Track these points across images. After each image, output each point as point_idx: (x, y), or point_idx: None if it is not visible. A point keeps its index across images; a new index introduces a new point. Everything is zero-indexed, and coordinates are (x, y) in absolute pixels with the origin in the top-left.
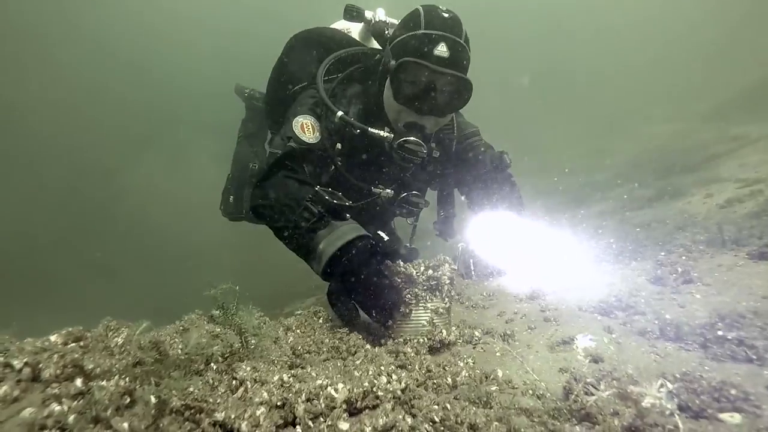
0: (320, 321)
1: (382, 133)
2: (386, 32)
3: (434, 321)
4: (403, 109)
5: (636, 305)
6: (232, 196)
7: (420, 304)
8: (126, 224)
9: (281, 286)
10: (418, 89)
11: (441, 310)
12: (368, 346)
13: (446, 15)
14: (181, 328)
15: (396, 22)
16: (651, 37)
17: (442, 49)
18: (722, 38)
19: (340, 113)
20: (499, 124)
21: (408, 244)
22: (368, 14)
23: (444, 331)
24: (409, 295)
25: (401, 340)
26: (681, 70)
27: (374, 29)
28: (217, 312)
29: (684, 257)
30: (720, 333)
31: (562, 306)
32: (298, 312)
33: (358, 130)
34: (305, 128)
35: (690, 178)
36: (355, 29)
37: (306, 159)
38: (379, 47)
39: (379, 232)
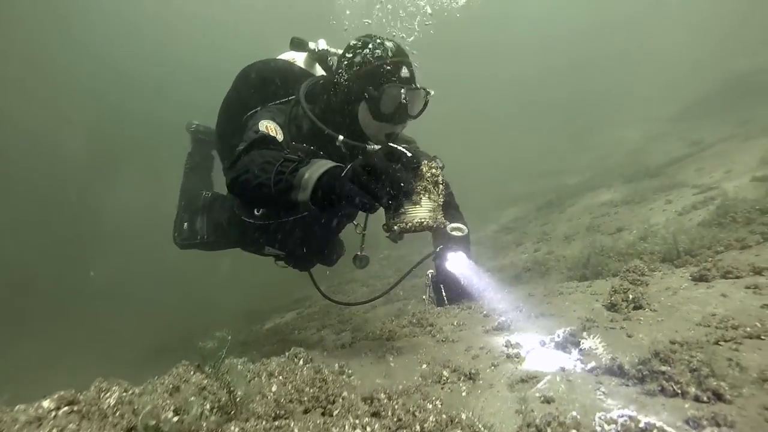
0: (301, 363)
1: (376, 147)
2: (329, 59)
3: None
4: (382, 124)
5: (589, 338)
6: (186, 224)
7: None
8: (103, 246)
9: (261, 301)
10: (395, 106)
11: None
12: (345, 393)
13: (392, 44)
14: (171, 386)
15: (335, 50)
16: (621, 41)
17: (405, 72)
18: (690, 43)
19: (341, 137)
20: (478, 126)
21: (359, 252)
22: (311, 45)
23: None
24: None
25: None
26: (650, 73)
27: (319, 57)
28: (208, 369)
29: (638, 280)
30: (655, 367)
31: (523, 340)
32: (282, 359)
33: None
34: (269, 129)
35: (653, 182)
36: (299, 58)
37: (274, 144)
38: (323, 73)
39: None
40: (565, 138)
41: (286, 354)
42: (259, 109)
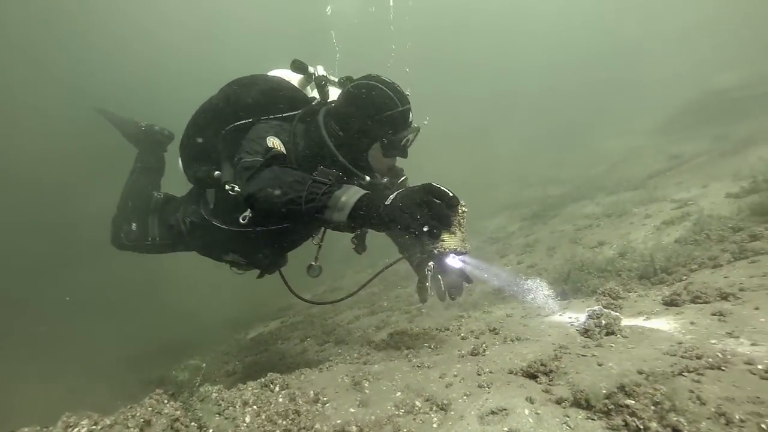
0: (277, 389)
1: (384, 180)
2: (324, 84)
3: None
4: (389, 159)
5: (560, 367)
6: (134, 224)
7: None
8: (83, 255)
9: (246, 309)
10: (403, 146)
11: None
12: (317, 425)
13: (400, 88)
14: (142, 420)
15: (332, 78)
16: (605, 54)
17: (411, 116)
18: (670, 58)
19: (368, 178)
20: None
21: (313, 262)
22: (311, 69)
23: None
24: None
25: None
26: (631, 86)
27: (317, 81)
28: (180, 402)
29: (612, 303)
30: (620, 401)
31: (496, 367)
32: (257, 387)
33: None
34: (276, 145)
35: (634, 195)
36: (293, 79)
37: (287, 163)
38: (314, 94)
39: None
40: (549, 148)
41: (262, 380)
42: (254, 120)
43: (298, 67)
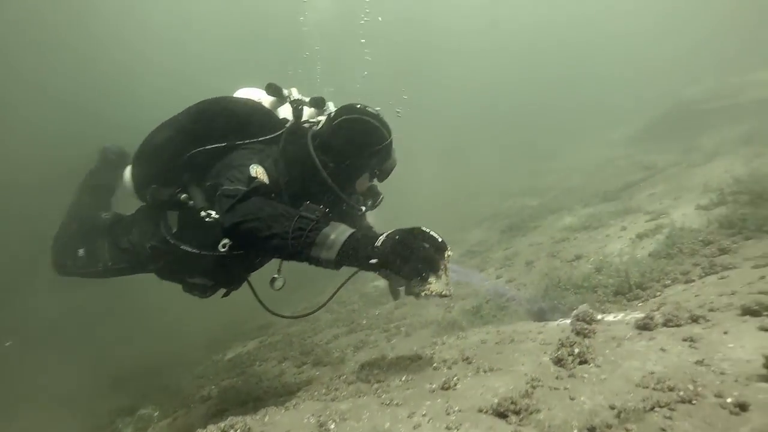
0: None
1: (369, 203)
2: (300, 108)
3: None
4: (372, 184)
5: (530, 405)
6: (82, 250)
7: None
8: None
9: (224, 327)
10: (388, 173)
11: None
12: None
13: (383, 117)
14: None
15: (302, 97)
16: (579, 65)
17: (393, 145)
18: (641, 69)
19: (352, 203)
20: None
21: (276, 275)
22: (285, 91)
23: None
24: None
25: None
26: (604, 98)
27: (293, 105)
28: None
29: (585, 329)
30: None
31: (466, 404)
32: None
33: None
34: (259, 174)
35: (610, 207)
36: (265, 100)
37: (270, 194)
38: (287, 115)
39: None
40: (525, 159)
41: (222, 424)
42: (229, 145)
43: (273, 90)
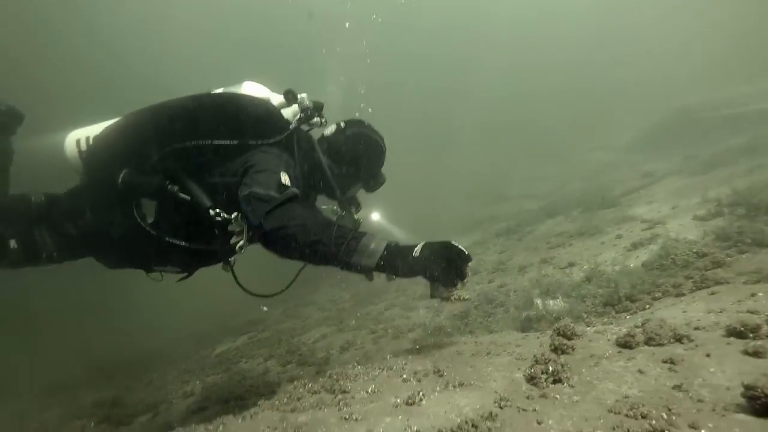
0: None
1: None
2: (311, 115)
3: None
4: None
5: (492, 428)
6: (13, 240)
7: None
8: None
9: (213, 322)
10: (379, 186)
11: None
12: None
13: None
14: None
15: (310, 104)
16: (583, 72)
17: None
18: (645, 77)
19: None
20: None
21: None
22: (299, 97)
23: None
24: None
25: None
26: (608, 104)
27: (304, 112)
28: None
29: (564, 344)
30: None
31: (427, 424)
32: None
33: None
34: (288, 182)
35: (607, 214)
36: (274, 100)
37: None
38: (288, 116)
39: None
40: (526, 163)
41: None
42: (240, 143)
43: (292, 98)
